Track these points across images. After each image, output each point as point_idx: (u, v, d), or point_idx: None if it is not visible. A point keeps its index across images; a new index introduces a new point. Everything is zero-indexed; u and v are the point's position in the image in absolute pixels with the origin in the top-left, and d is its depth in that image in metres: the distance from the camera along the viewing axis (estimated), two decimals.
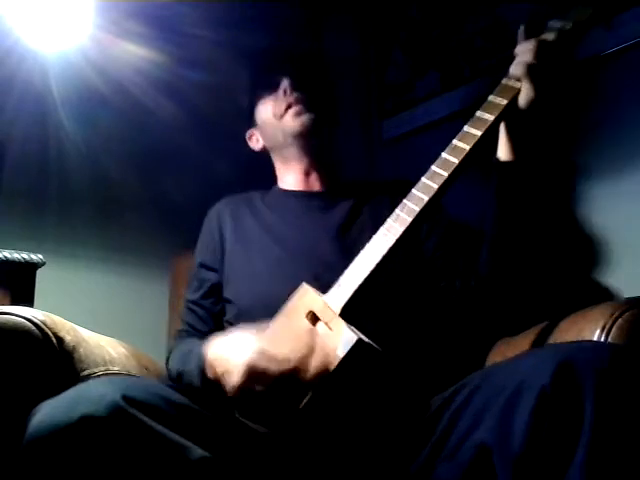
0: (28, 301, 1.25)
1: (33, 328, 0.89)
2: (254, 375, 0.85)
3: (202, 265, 1.21)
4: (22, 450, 0.70)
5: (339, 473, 0.87)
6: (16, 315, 0.90)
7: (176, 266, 1.58)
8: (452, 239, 1.14)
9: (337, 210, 1.18)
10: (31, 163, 1.47)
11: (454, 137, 0.95)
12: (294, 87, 1.20)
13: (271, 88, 1.23)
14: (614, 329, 0.90)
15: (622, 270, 1.25)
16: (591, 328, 0.92)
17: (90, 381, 0.82)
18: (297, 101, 1.19)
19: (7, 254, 1.24)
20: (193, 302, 1.19)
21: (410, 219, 0.90)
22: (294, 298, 0.96)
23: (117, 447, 0.68)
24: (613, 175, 1.28)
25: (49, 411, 0.71)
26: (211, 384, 0.93)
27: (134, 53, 1.55)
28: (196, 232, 1.39)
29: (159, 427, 0.71)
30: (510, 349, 1.13)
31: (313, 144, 1.22)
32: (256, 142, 1.31)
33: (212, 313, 1.17)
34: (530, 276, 1.03)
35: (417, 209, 0.90)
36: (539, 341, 1.05)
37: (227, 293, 1.16)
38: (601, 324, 0.91)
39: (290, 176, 1.26)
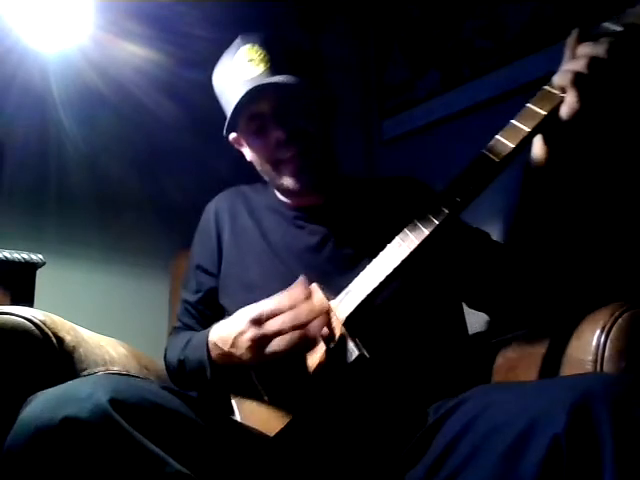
0: (28, 301, 1.25)
1: (33, 328, 0.89)
2: (260, 335, 0.86)
3: (200, 267, 1.18)
4: (5, 446, 0.68)
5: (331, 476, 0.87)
6: (16, 315, 0.90)
7: (176, 266, 1.58)
8: (473, 240, 1.07)
9: (336, 221, 1.09)
10: (31, 163, 1.47)
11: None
12: (287, 139, 1.02)
13: (259, 130, 1.06)
14: (614, 329, 0.89)
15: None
16: (591, 328, 0.92)
17: (83, 378, 0.80)
18: (293, 159, 1.03)
19: (7, 254, 1.24)
20: (191, 304, 1.19)
21: (427, 232, 0.84)
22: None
23: (95, 452, 0.67)
24: None
25: (35, 408, 0.70)
26: (218, 366, 0.96)
27: (134, 53, 1.55)
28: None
29: (139, 437, 0.69)
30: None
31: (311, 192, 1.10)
32: (243, 149, 1.16)
33: (208, 316, 1.17)
34: (554, 265, 0.94)
35: (436, 222, 0.84)
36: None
37: (223, 300, 1.14)
38: (601, 324, 0.91)
39: (283, 195, 1.15)
